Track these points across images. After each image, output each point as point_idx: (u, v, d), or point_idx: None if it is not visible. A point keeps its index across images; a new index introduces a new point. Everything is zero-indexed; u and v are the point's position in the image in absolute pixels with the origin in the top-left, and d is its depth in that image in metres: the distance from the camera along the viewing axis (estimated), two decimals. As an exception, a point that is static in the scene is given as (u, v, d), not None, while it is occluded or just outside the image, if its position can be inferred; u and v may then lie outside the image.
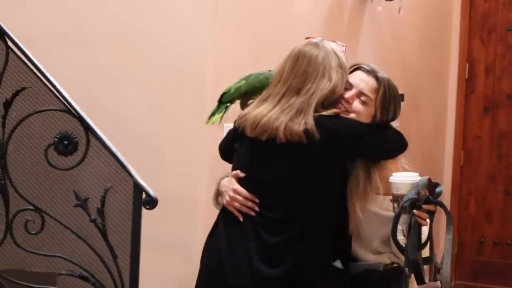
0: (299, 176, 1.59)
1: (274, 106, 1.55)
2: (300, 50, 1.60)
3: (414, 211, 1.59)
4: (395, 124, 3.65)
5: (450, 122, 4.06)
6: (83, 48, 2.48)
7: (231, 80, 1.91)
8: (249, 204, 1.55)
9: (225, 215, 1.64)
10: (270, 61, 2.10)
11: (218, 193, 1.65)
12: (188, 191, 2.26)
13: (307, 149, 1.56)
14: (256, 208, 1.56)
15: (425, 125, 3.86)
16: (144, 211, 1.82)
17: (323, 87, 1.55)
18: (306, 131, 1.53)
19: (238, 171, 1.59)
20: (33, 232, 1.81)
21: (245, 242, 1.59)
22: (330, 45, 1.63)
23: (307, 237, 1.58)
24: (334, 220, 1.63)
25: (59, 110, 1.79)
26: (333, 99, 1.60)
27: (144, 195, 1.79)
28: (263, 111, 1.56)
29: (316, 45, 1.60)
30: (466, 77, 4.03)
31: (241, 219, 1.57)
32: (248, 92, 1.67)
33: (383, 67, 3.43)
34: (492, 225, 3.97)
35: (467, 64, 4.02)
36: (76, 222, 1.86)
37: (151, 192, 1.78)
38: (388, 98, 1.67)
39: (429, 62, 3.85)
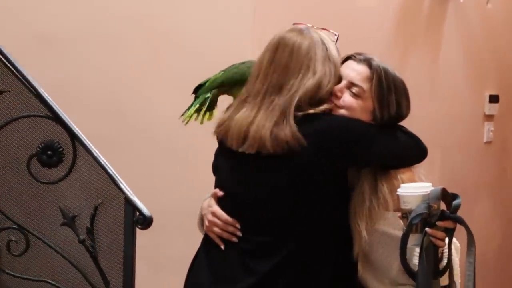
0: (287, 191, 1.43)
1: (259, 110, 1.41)
2: (281, 38, 1.44)
3: (427, 229, 1.42)
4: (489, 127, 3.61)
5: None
6: (110, 47, 2.44)
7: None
8: (230, 229, 1.42)
9: (206, 242, 1.52)
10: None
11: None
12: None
13: (296, 158, 1.39)
14: (239, 233, 1.43)
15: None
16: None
17: (306, 83, 1.39)
18: (293, 136, 1.38)
19: (217, 190, 1.46)
20: (16, 254, 1.79)
21: (230, 273, 1.46)
22: (319, 33, 1.46)
23: (298, 263, 1.43)
24: (331, 243, 1.47)
25: (42, 116, 1.68)
26: (318, 97, 1.43)
27: (137, 213, 1.64)
28: (248, 118, 1.41)
29: (300, 32, 1.44)
30: None
31: (222, 247, 1.45)
32: (225, 83, 1.51)
33: (474, 66, 3.38)
34: None
35: None
36: (64, 241, 1.76)
37: (145, 210, 1.66)
38: (386, 87, 1.46)
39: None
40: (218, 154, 1.52)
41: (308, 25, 1.48)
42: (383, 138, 1.47)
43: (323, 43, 1.42)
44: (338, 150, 1.41)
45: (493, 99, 3.42)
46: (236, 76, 1.50)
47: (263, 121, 1.38)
